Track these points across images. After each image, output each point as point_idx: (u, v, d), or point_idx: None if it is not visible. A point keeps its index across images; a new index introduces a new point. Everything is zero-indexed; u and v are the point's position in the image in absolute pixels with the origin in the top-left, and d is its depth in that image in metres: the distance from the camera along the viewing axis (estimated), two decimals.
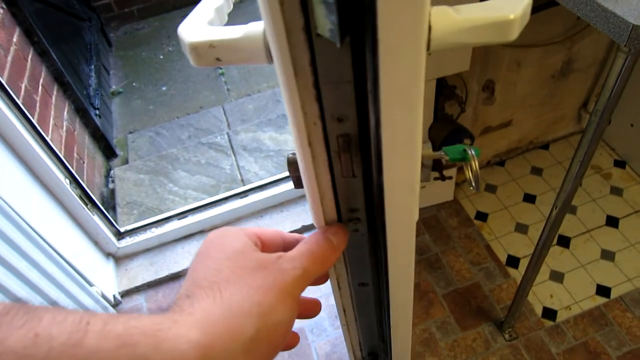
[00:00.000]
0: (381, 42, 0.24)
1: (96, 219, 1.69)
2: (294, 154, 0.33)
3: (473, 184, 0.38)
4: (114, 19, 3.17)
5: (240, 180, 2.10)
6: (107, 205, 2.03)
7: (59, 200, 1.56)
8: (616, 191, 1.83)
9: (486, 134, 1.81)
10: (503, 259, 1.71)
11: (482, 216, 1.83)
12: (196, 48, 0.30)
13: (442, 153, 0.38)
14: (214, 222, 1.88)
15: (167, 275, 1.76)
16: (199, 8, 0.34)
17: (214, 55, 0.30)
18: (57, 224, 1.53)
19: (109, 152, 2.30)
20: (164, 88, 2.70)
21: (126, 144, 2.39)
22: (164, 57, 2.91)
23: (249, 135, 2.28)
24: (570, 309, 1.57)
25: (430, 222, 1.83)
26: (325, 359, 1.54)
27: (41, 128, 1.48)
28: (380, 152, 0.30)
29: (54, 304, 1.29)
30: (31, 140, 1.41)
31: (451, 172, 1.70)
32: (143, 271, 1.78)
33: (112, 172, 2.20)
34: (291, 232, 1.81)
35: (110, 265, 1.78)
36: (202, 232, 1.87)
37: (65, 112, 1.94)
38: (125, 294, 1.75)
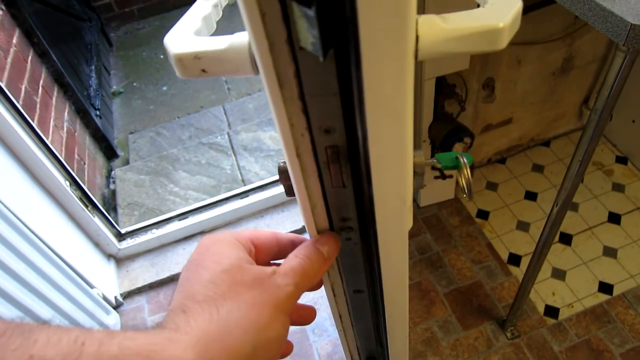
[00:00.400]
0: (364, 54, 0.23)
1: (97, 220, 1.69)
2: (284, 162, 0.33)
3: (466, 191, 0.38)
4: (114, 19, 3.17)
5: (240, 180, 2.10)
6: (108, 207, 2.03)
7: (59, 202, 1.56)
8: (618, 188, 1.82)
9: (487, 132, 1.80)
10: (505, 257, 1.70)
11: (483, 214, 1.82)
12: (181, 59, 0.29)
13: (435, 160, 0.38)
14: (215, 223, 1.88)
15: (168, 277, 1.76)
16: (185, 17, 0.34)
17: (199, 66, 0.30)
18: (58, 226, 1.53)
19: (109, 152, 2.30)
20: (164, 88, 2.70)
21: (127, 145, 2.39)
22: (165, 56, 2.90)
23: (250, 135, 2.28)
24: (572, 306, 1.56)
25: (431, 220, 1.82)
26: (327, 359, 1.54)
27: (41, 130, 1.48)
28: (369, 163, 0.29)
29: (55, 307, 1.29)
30: (31, 143, 1.41)
31: (452, 171, 1.69)
32: (144, 272, 1.79)
33: (113, 172, 2.20)
34: (292, 232, 1.81)
35: (111, 266, 1.78)
36: (202, 232, 1.88)
37: (66, 113, 1.94)
38: (127, 295, 1.75)
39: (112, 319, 1.64)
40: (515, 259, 1.69)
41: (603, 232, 1.72)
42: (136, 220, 1.96)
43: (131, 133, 2.47)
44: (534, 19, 1.45)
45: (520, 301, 1.40)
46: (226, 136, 2.30)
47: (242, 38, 0.28)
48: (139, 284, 1.75)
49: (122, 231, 1.84)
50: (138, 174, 2.17)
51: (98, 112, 2.29)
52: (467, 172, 0.38)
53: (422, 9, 1.18)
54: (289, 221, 1.87)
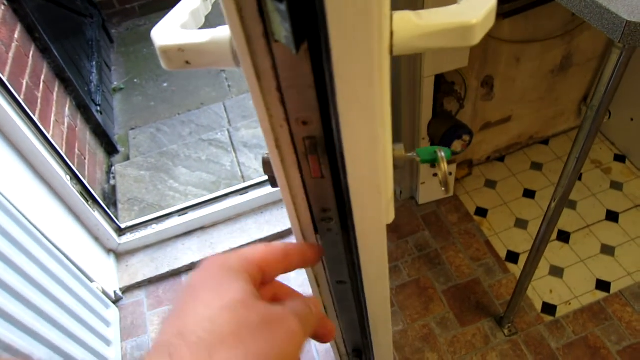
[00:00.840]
0: (334, 48, 0.24)
1: (97, 215, 1.69)
2: (269, 154, 0.34)
3: (443, 185, 0.38)
4: (115, 15, 3.18)
5: (240, 176, 2.11)
6: (108, 202, 2.04)
7: (59, 197, 1.57)
8: (616, 186, 1.83)
9: (486, 130, 1.81)
10: (503, 254, 1.71)
11: (481, 212, 1.83)
12: (166, 52, 0.30)
13: (415, 154, 0.38)
14: (215, 219, 1.88)
15: (167, 272, 1.77)
16: (174, 11, 0.35)
17: (183, 58, 0.30)
18: (58, 221, 1.54)
19: (110, 148, 2.31)
20: (165, 84, 2.71)
21: (127, 141, 2.40)
22: None
23: (250, 132, 2.29)
24: (570, 304, 1.57)
25: (430, 218, 1.83)
26: (325, 355, 1.55)
27: (42, 124, 1.49)
28: (344, 155, 0.30)
29: (55, 300, 1.30)
30: (32, 137, 1.42)
31: (451, 168, 1.70)
32: (144, 267, 1.79)
33: (113, 168, 2.21)
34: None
35: (111, 261, 1.79)
36: (202, 228, 1.88)
37: (67, 109, 1.95)
38: (126, 290, 1.76)
39: (112, 313, 1.65)
40: (513, 257, 1.70)
41: (601, 230, 1.73)
42: (136, 216, 1.97)
43: (132, 129, 2.47)
44: (532, 16, 1.46)
45: (518, 298, 1.41)
46: (226, 133, 2.30)
47: (223, 32, 0.29)
48: (139, 279, 1.76)
49: (122, 226, 1.84)
50: (138, 170, 2.17)
51: (99, 108, 2.30)
52: (444, 166, 0.38)
53: (422, 5, 1.18)
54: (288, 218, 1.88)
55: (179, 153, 2.23)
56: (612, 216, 1.75)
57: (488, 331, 1.54)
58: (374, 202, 0.34)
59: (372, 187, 0.32)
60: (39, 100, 1.69)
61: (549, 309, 1.57)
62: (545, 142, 1.99)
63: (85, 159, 1.95)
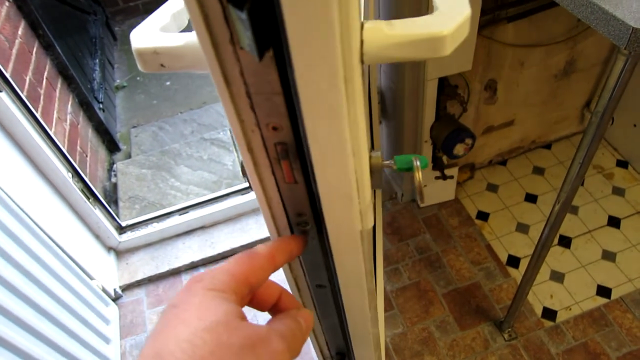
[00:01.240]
0: (294, 57, 0.24)
1: (98, 212, 1.69)
2: None
3: (417, 194, 0.38)
4: (119, 13, 3.18)
5: (242, 176, 2.10)
6: (109, 199, 2.04)
7: (61, 194, 1.57)
8: (618, 191, 1.83)
9: (488, 134, 1.80)
10: (503, 258, 1.71)
11: (483, 216, 1.83)
12: (141, 54, 0.31)
13: (392, 162, 0.38)
14: (216, 219, 1.88)
15: (167, 270, 1.77)
16: (156, 13, 0.35)
17: (158, 61, 0.31)
18: (59, 217, 1.53)
19: (112, 146, 2.31)
20: (167, 83, 2.71)
21: (129, 139, 2.40)
22: None
23: None
24: (570, 309, 1.57)
25: (431, 221, 1.83)
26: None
27: (45, 121, 1.49)
28: (312, 162, 0.30)
29: (54, 297, 1.30)
30: (34, 133, 1.42)
31: (452, 171, 1.70)
32: (144, 265, 1.79)
33: (114, 166, 2.21)
34: None
35: (111, 259, 1.79)
36: (203, 227, 1.88)
37: (69, 106, 1.95)
38: (126, 288, 1.76)
39: (111, 311, 1.65)
40: (514, 261, 1.70)
41: (602, 236, 1.72)
42: (137, 214, 1.96)
43: (133, 127, 2.47)
44: (537, 21, 1.46)
45: (518, 303, 1.41)
46: (228, 132, 2.30)
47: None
48: (139, 277, 1.76)
49: (123, 224, 1.84)
50: (140, 168, 2.17)
51: (101, 106, 2.30)
52: (418, 175, 0.38)
53: (426, 10, 1.18)
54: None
55: (181, 152, 2.23)
56: (614, 222, 1.75)
57: (488, 335, 1.54)
58: (345, 209, 0.33)
59: (342, 194, 0.32)
60: (42, 97, 1.69)
61: (549, 314, 1.56)
62: (548, 146, 1.99)
63: (86, 156, 1.95)
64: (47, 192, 1.50)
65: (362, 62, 0.26)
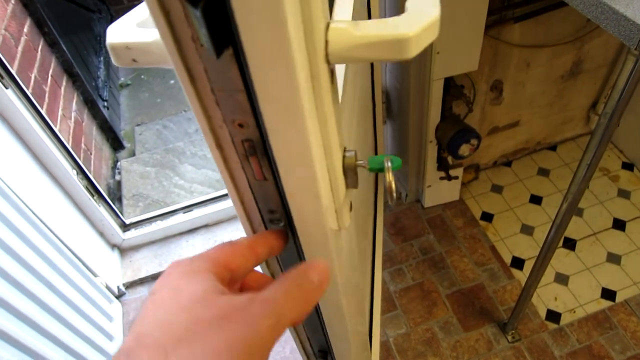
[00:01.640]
0: (249, 57, 0.24)
1: (102, 210, 1.69)
2: None
3: (388, 195, 0.38)
4: (123, 11, 3.14)
5: None
6: (113, 197, 2.04)
7: (65, 191, 1.57)
8: (624, 194, 1.82)
9: (493, 134, 1.80)
10: (508, 260, 1.70)
11: (487, 217, 1.82)
12: (114, 48, 0.31)
13: (365, 162, 0.38)
14: (219, 217, 1.88)
15: None
16: (135, 8, 0.35)
17: (130, 56, 0.31)
18: (64, 215, 1.54)
19: (116, 143, 2.31)
20: (172, 81, 2.71)
21: (133, 136, 2.40)
22: None
23: None
24: (574, 312, 1.56)
25: (435, 221, 1.82)
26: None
27: (50, 118, 1.49)
28: (275, 160, 0.30)
29: (58, 294, 1.30)
30: (39, 131, 1.42)
31: (457, 172, 1.69)
32: (147, 263, 1.79)
33: (118, 164, 2.21)
34: None
35: (115, 256, 1.79)
36: (206, 226, 1.88)
37: (74, 103, 1.95)
38: (129, 285, 1.76)
39: (115, 308, 1.65)
40: (518, 263, 1.69)
41: (607, 238, 1.71)
42: (141, 212, 1.97)
43: (138, 125, 2.47)
44: (544, 21, 1.45)
45: (522, 305, 1.40)
46: None
47: None
48: (142, 275, 1.76)
49: (127, 222, 1.84)
50: (144, 166, 2.17)
51: (105, 104, 2.30)
52: (389, 176, 0.38)
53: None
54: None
55: (185, 150, 2.23)
56: (619, 224, 1.74)
57: (491, 337, 1.53)
58: (312, 207, 0.33)
59: (308, 192, 0.32)
60: (47, 94, 1.69)
61: (553, 316, 1.56)
62: (553, 148, 1.98)
63: (91, 153, 1.95)
64: (51, 189, 1.50)
65: (327, 62, 0.26)
